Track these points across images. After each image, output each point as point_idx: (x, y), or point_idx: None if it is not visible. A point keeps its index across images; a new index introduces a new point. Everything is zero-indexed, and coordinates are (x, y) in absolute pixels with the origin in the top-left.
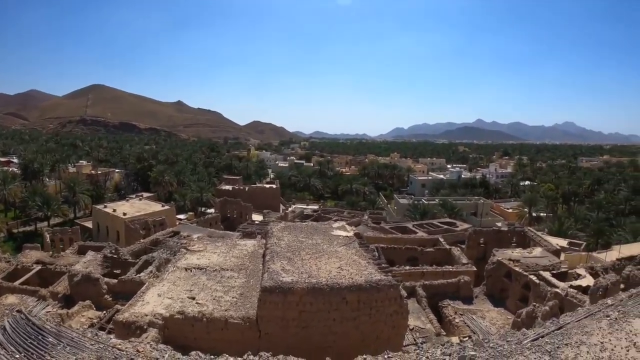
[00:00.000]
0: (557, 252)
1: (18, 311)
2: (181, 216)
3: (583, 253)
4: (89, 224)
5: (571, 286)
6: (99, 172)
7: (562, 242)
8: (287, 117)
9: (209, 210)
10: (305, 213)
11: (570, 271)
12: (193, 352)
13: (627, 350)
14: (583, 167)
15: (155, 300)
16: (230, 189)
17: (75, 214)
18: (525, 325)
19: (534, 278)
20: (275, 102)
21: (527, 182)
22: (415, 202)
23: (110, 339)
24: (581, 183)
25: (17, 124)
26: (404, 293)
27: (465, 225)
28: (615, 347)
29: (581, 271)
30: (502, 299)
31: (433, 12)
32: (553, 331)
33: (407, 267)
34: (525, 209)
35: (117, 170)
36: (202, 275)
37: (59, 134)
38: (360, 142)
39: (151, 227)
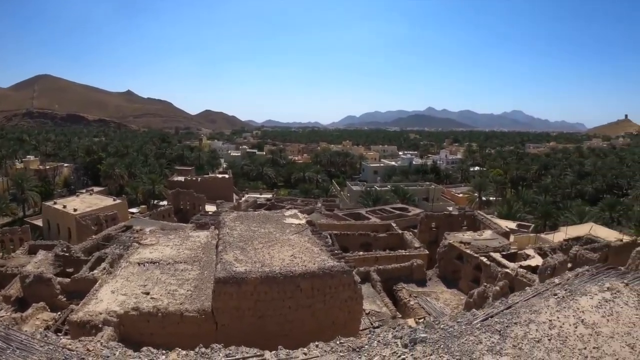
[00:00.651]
0: (506, 234)
1: None
2: (133, 210)
3: (531, 234)
4: (39, 222)
5: (521, 266)
6: (48, 167)
7: (512, 225)
8: (239, 106)
9: (161, 203)
10: (258, 202)
11: (519, 252)
12: (144, 348)
13: (576, 327)
14: (530, 153)
15: (109, 297)
16: (183, 180)
17: (24, 212)
18: (477, 305)
19: (484, 259)
20: (227, 90)
21: (476, 168)
22: (368, 188)
23: (60, 339)
24: (529, 168)
25: None
26: (357, 278)
27: (417, 211)
28: (563, 324)
29: (530, 252)
30: (455, 280)
31: (385, 0)
32: (502, 311)
33: (361, 253)
34: (475, 194)
35: (65, 165)
36: (156, 269)
37: (4, 128)
38: (313, 130)
39: (103, 223)
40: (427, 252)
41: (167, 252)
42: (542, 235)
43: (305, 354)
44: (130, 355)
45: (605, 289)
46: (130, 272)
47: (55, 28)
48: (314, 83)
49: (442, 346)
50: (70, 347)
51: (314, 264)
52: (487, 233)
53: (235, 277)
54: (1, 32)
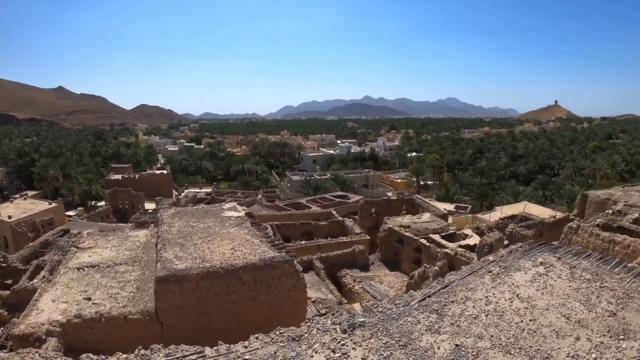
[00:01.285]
0: (444, 216)
1: None
2: (70, 212)
3: (469, 215)
4: None
5: (460, 246)
6: None
7: (450, 207)
8: (175, 99)
9: (99, 204)
10: (198, 197)
11: (458, 232)
12: (83, 355)
13: (511, 302)
14: (465, 138)
15: (50, 306)
16: (120, 178)
17: None
18: (419, 285)
19: (424, 241)
20: (163, 84)
21: (413, 154)
22: (308, 178)
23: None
24: (464, 152)
25: None
26: (299, 267)
27: (357, 197)
28: (499, 299)
29: (468, 231)
30: (397, 263)
31: None
32: (439, 290)
33: (303, 242)
34: (413, 179)
35: None
36: (96, 273)
37: None
38: (251, 121)
39: (40, 228)
40: (368, 237)
41: (107, 254)
42: (479, 215)
43: (245, 347)
44: None
45: (539, 263)
46: (70, 278)
47: None
48: (252, 74)
49: (380, 329)
50: None
51: (255, 255)
52: (426, 216)
53: (176, 275)
54: None
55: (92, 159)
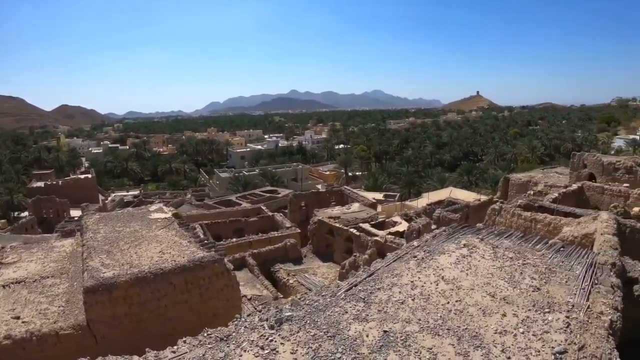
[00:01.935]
0: (373, 205)
1: None
2: None
3: (397, 203)
4: None
5: (389, 233)
6: None
7: (379, 196)
8: (98, 99)
9: (22, 214)
10: (126, 200)
11: (387, 220)
12: None
13: (437, 285)
14: (392, 129)
15: None
16: (43, 185)
17: None
18: (350, 274)
19: (354, 231)
20: (84, 83)
21: (341, 146)
22: (237, 174)
23: None
24: (391, 143)
25: None
26: (230, 266)
27: (287, 191)
28: (425, 283)
29: (397, 219)
30: (329, 254)
31: None
32: (365, 278)
33: (234, 239)
34: (342, 170)
35: None
36: (22, 289)
37: None
38: (176, 119)
39: None
40: (299, 230)
41: (32, 267)
42: (407, 202)
43: (174, 352)
44: None
45: (462, 245)
46: None
47: None
48: (176, 71)
49: (308, 321)
50: None
51: (184, 257)
52: (355, 206)
53: (104, 284)
54: None
55: (12, 167)
